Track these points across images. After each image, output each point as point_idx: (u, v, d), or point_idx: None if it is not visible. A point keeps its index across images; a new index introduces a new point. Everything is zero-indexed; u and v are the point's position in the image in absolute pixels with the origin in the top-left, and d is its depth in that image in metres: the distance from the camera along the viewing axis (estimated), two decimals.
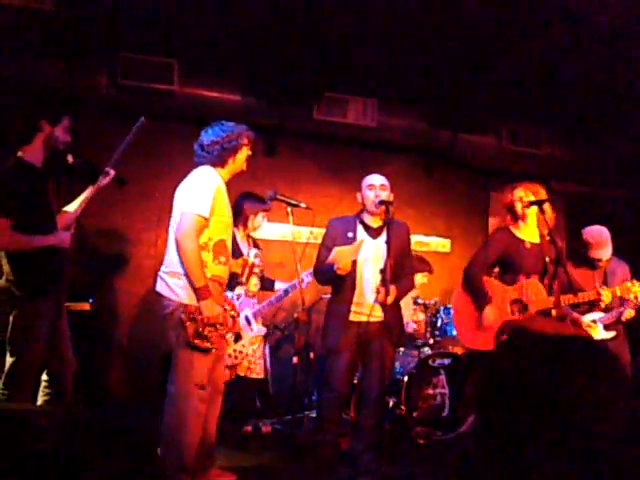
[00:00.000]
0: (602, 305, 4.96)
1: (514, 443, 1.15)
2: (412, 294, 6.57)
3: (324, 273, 4.57)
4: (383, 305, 4.45)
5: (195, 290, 3.79)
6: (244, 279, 4.63)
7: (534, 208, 4.74)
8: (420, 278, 6.71)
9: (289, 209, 4.45)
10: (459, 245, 7.97)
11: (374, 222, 4.68)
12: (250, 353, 5.42)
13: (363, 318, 4.54)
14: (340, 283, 4.53)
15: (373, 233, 4.65)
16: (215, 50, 6.14)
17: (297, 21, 5.61)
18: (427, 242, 7.83)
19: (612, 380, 1.18)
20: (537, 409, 1.14)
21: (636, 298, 4.98)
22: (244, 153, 4.14)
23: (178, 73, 6.18)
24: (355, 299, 4.56)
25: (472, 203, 8.09)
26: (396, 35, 5.77)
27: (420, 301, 6.31)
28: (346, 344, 4.53)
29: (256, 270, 4.59)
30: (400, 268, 4.59)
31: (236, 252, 4.90)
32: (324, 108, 6.73)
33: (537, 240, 4.85)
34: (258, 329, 5.44)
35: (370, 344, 4.55)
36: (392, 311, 4.57)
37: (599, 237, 5.34)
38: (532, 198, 4.75)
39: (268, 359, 5.92)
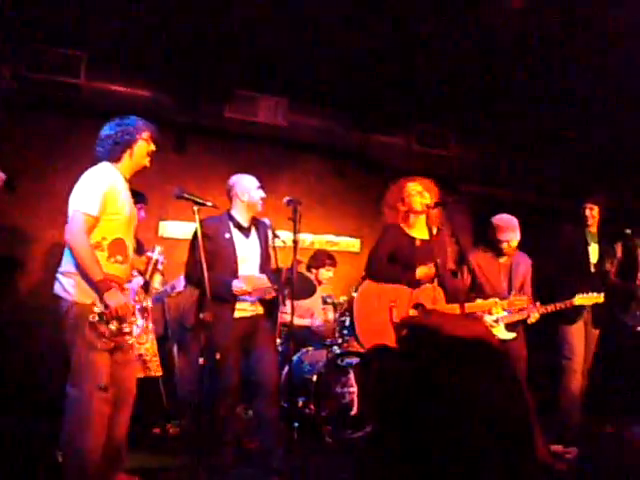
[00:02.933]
0: (494, 314, 5.11)
1: (408, 446, 1.16)
2: (322, 293, 6.62)
3: (218, 289, 4.50)
4: (262, 299, 4.73)
5: (95, 285, 3.71)
6: (148, 276, 4.55)
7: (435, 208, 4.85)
8: (325, 273, 6.81)
9: (195, 208, 4.39)
10: (369, 245, 7.96)
11: (245, 221, 4.86)
12: (143, 352, 5.34)
13: (247, 314, 4.71)
14: (220, 283, 4.55)
15: (245, 232, 4.84)
16: (125, 44, 6.00)
17: (209, 18, 5.54)
18: (337, 242, 7.88)
19: (505, 383, 1.20)
20: (430, 411, 1.15)
21: (520, 310, 5.22)
22: (143, 148, 4.05)
23: (86, 66, 6.01)
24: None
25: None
26: (308, 35, 5.78)
27: (329, 300, 6.35)
28: (234, 342, 4.61)
29: (160, 267, 4.52)
30: (268, 262, 4.85)
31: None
32: (235, 106, 6.67)
33: (426, 237, 4.91)
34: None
35: (256, 338, 4.72)
36: (270, 303, 4.84)
37: (508, 221, 5.44)
38: (428, 199, 4.82)
39: (176, 360, 5.84)
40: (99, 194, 3.80)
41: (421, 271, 4.71)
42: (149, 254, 4.40)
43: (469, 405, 1.14)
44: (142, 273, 4.52)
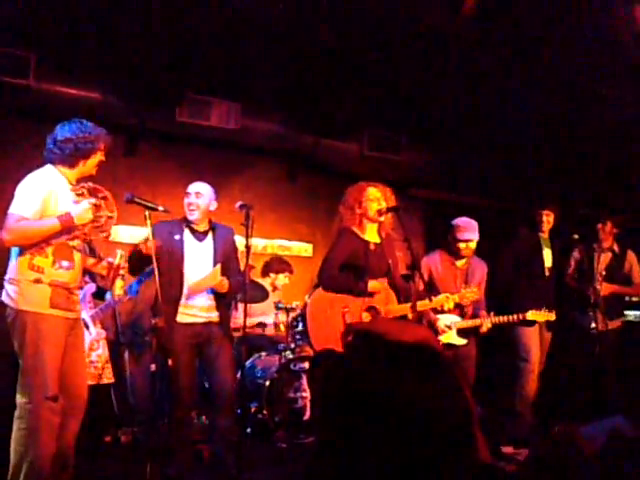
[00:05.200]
0: (446, 309, 5.12)
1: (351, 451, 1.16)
2: (274, 298, 6.61)
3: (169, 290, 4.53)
4: (218, 304, 4.70)
5: (62, 229, 3.72)
6: (109, 282, 4.49)
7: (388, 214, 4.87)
8: (282, 279, 6.82)
9: (147, 212, 4.34)
10: (321, 250, 8.00)
11: (200, 226, 4.82)
12: (95, 360, 5.26)
13: (198, 320, 4.66)
14: (166, 286, 4.49)
15: (199, 236, 4.81)
16: (75, 46, 5.89)
17: (160, 20, 5.48)
18: (289, 246, 7.87)
19: (446, 386, 1.21)
20: (374, 415, 1.16)
21: (471, 301, 5.24)
22: (97, 158, 4.01)
23: (35, 67, 5.88)
24: (182, 301, 4.64)
25: (334, 208, 8.14)
26: (260, 39, 5.76)
27: (281, 305, 6.33)
28: (180, 346, 4.55)
29: (122, 272, 4.43)
30: (227, 270, 4.75)
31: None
32: (187, 110, 6.60)
33: (378, 240, 4.93)
34: (97, 332, 5.30)
35: (210, 345, 4.68)
36: (225, 311, 4.82)
37: (468, 222, 5.52)
38: (384, 205, 4.84)
39: (127, 366, 5.76)
40: (36, 198, 3.74)
41: (373, 285, 4.73)
42: (110, 260, 4.28)
43: (410, 409, 1.14)
44: (104, 277, 4.42)
